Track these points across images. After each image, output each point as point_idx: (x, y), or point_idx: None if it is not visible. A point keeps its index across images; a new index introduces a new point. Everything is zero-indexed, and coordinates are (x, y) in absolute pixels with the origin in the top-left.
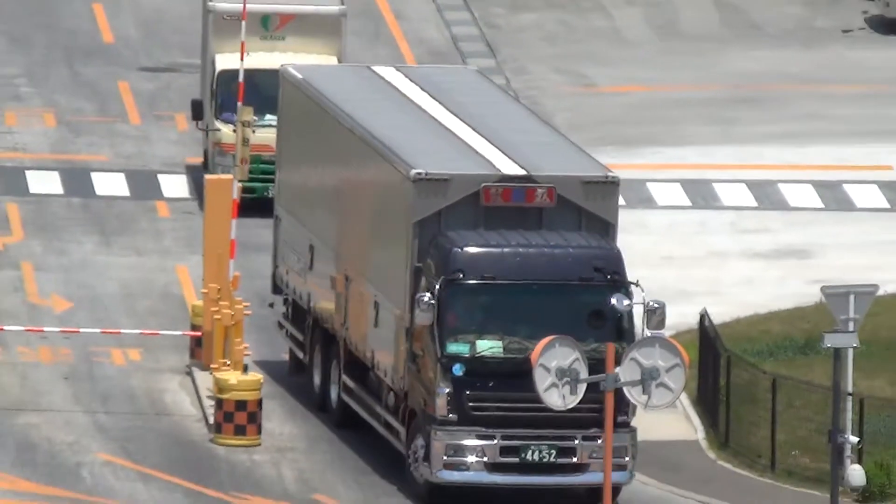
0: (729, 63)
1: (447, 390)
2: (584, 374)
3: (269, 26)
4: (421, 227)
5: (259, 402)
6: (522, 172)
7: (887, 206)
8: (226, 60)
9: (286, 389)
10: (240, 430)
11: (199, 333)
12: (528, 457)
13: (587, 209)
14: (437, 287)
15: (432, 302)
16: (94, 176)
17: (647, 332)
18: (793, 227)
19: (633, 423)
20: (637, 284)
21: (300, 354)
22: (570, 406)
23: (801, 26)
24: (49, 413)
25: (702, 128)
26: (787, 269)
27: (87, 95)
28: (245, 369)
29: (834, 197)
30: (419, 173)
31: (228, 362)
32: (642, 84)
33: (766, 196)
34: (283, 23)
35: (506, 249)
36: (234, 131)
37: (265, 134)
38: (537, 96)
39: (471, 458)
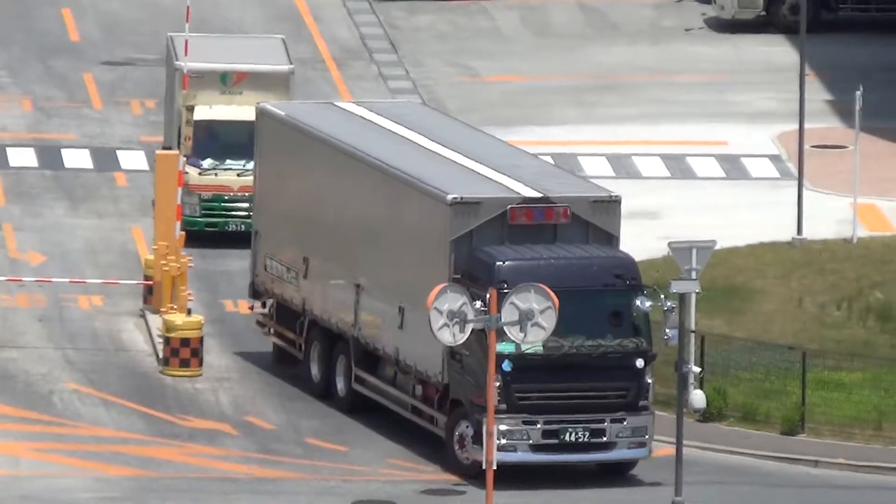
0: (592, 57)
1: (498, 384)
2: (471, 315)
3: (227, 82)
4: (456, 244)
5: (200, 340)
6: (540, 195)
7: (723, 175)
8: (201, 112)
9: (223, 328)
10: (184, 363)
11: (150, 283)
12: (566, 438)
13: (594, 224)
14: (488, 296)
15: (484, 309)
16: (64, 152)
17: (667, 331)
18: (645, 193)
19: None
20: (655, 289)
21: (289, 348)
22: (459, 342)
23: (651, 26)
24: (26, 349)
25: (568, 110)
26: (641, 227)
27: (58, 85)
28: (188, 312)
29: (679, 168)
30: (455, 198)
31: (175, 306)
32: (519, 74)
33: (622, 167)
34: (239, 79)
35: (540, 262)
36: (200, 174)
37: (227, 177)
38: (432, 85)
39: (518, 442)
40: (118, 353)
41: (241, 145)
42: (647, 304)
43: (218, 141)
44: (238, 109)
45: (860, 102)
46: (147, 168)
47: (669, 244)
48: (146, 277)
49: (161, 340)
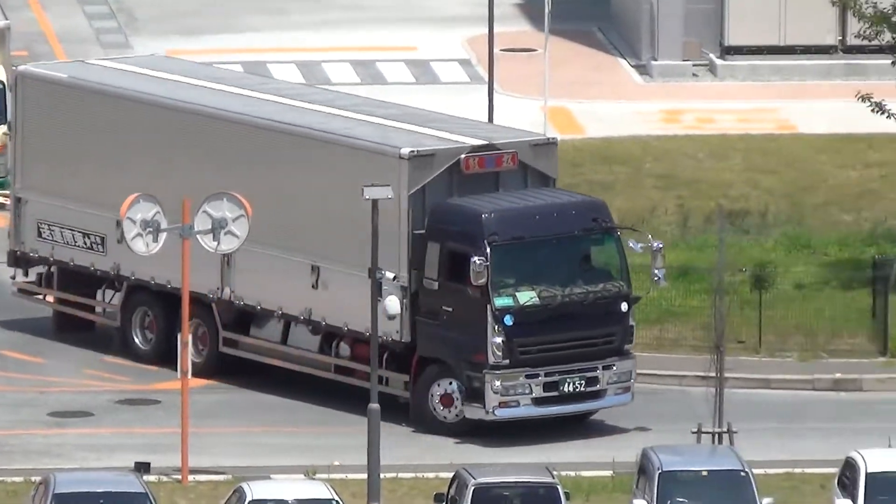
0: None
1: (501, 339)
2: (164, 224)
3: None
4: (412, 199)
5: None
6: (485, 142)
7: (413, 80)
8: None
9: None
10: None
11: None
12: (565, 388)
13: (534, 168)
14: (488, 251)
15: (487, 264)
16: None
17: (655, 271)
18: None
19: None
20: (642, 231)
21: (82, 314)
22: (153, 252)
23: None
24: None
25: (259, 18)
26: None
27: None
28: None
29: (369, 73)
30: (412, 151)
31: None
32: None
33: (312, 74)
34: None
35: (523, 210)
36: None
37: None
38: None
39: (521, 396)
40: None
41: None
42: (640, 245)
43: None
44: None
45: (549, 5)
46: None
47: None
48: None
49: None
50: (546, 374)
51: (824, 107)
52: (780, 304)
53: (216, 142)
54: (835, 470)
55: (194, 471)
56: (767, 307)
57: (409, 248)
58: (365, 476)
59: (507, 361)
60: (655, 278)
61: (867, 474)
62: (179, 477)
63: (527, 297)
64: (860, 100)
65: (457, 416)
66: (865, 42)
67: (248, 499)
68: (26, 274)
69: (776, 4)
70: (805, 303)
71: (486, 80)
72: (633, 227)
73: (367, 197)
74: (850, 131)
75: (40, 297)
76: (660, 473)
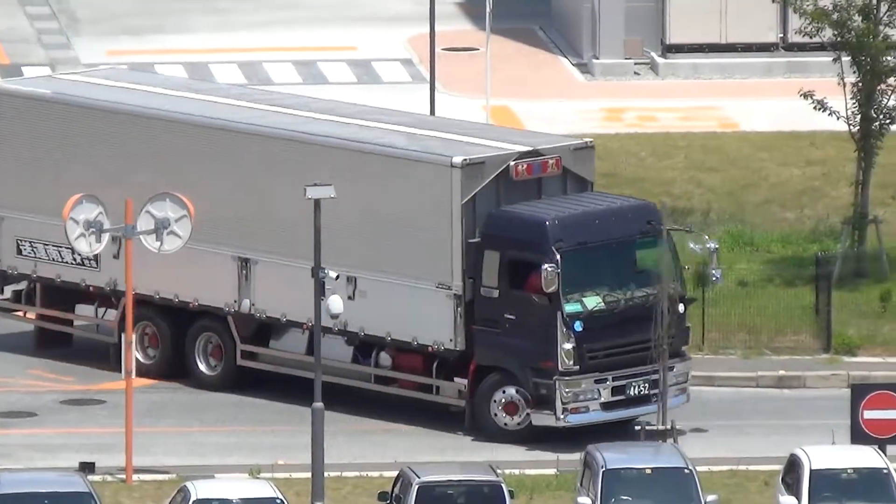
0: None
1: (571, 345)
2: (106, 224)
3: None
4: (465, 208)
5: None
6: (530, 148)
7: (355, 80)
8: None
9: None
10: None
11: None
12: (631, 392)
13: (573, 172)
14: (556, 257)
15: (558, 271)
16: None
17: (713, 270)
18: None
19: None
20: (699, 232)
21: (69, 329)
22: (96, 252)
23: None
24: None
25: (202, 18)
26: None
27: None
28: None
29: (310, 73)
30: (465, 160)
31: None
32: None
33: (255, 74)
34: None
35: (584, 215)
36: None
37: None
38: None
39: (590, 401)
40: None
41: None
42: (698, 247)
43: None
44: None
45: (490, 4)
46: None
47: None
48: None
49: None
50: (614, 379)
51: (766, 105)
52: (723, 301)
53: (235, 155)
54: (779, 467)
55: (139, 470)
56: (711, 305)
57: (462, 257)
58: (309, 475)
59: (577, 367)
60: (714, 278)
61: (811, 471)
62: (124, 476)
63: (593, 302)
64: (803, 97)
65: (519, 423)
66: (806, 39)
67: (193, 498)
68: (1, 291)
69: (717, 2)
70: (748, 300)
71: (428, 79)
72: (688, 229)
73: (309, 196)
74: (792, 129)
75: (18, 313)
76: (604, 471)
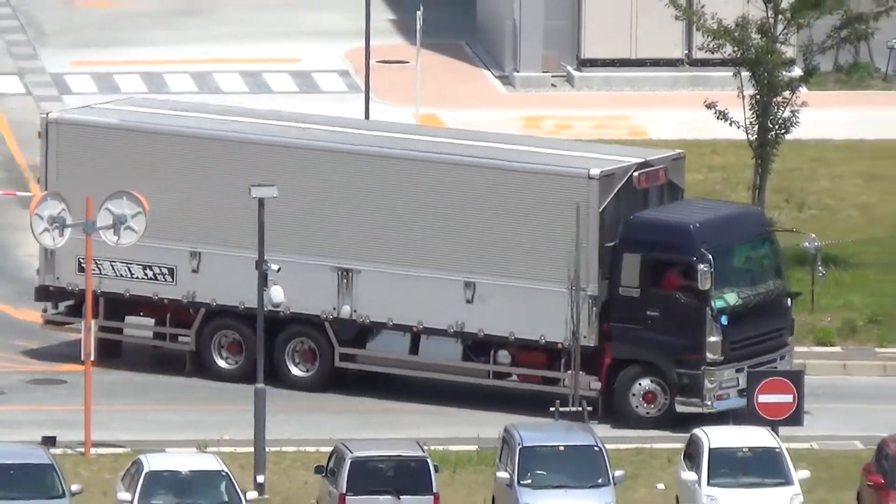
0: None
1: (718, 338)
2: (69, 220)
3: None
4: (601, 216)
5: None
6: (642, 160)
7: (297, 89)
8: None
9: None
10: None
11: None
12: None
13: (671, 181)
14: (709, 258)
15: (711, 270)
16: None
17: (819, 266)
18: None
19: None
20: (800, 231)
21: (134, 340)
22: (59, 246)
23: None
24: None
25: (157, 32)
26: None
27: None
28: None
29: (256, 83)
30: (603, 172)
31: None
32: (112, 3)
33: (205, 84)
34: None
35: (714, 220)
36: None
37: None
38: (31, 11)
39: (731, 389)
40: None
41: None
42: (816, 243)
43: None
44: None
45: (421, 21)
46: None
47: None
48: None
49: None
50: (749, 367)
51: (672, 115)
52: None
53: (348, 177)
54: (681, 445)
55: (97, 444)
56: None
57: (598, 261)
58: (252, 449)
59: (722, 358)
60: (820, 273)
61: (710, 449)
62: (83, 450)
63: (733, 298)
64: (707, 107)
65: (659, 410)
66: (709, 55)
67: (146, 470)
68: (56, 307)
69: (628, 21)
70: None
71: (363, 89)
72: (797, 230)
73: (255, 196)
74: (695, 137)
75: (70, 325)
76: (520, 448)
